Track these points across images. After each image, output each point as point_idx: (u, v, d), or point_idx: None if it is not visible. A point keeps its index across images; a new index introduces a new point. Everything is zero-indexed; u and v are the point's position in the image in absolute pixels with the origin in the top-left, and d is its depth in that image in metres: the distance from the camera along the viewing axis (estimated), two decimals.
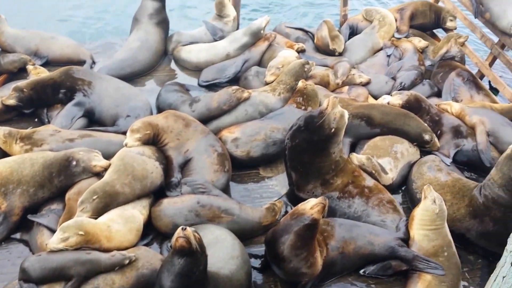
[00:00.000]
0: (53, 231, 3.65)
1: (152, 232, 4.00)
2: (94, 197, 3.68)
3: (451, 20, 6.95)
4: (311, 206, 3.40)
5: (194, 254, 2.90)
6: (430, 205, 3.63)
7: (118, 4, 10.16)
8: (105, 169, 4.01)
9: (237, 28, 6.87)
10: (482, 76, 6.51)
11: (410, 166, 4.67)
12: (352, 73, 5.89)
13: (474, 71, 6.45)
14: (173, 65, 6.50)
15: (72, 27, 9.24)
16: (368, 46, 6.65)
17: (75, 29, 9.14)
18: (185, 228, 2.86)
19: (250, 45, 6.34)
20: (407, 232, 3.81)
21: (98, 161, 4.01)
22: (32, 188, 3.92)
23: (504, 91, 5.99)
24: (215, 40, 6.54)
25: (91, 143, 4.37)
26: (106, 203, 3.73)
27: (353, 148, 4.89)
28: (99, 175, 4.03)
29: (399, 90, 5.56)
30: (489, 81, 6.56)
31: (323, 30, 6.53)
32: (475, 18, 6.54)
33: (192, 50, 6.40)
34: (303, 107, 5.08)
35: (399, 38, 6.67)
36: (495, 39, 6.35)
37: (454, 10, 7.05)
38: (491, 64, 6.43)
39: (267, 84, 5.63)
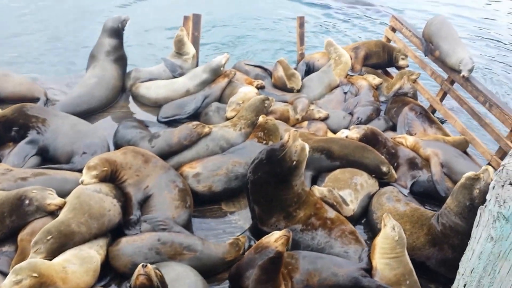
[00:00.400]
0: (5, 274, 3.42)
1: (110, 272, 3.81)
2: (49, 237, 3.49)
3: (402, 59, 7.37)
4: (275, 239, 3.39)
5: None
6: (390, 233, 3.69)
7: (73, 41, 10.09)
8: (60, 208, 3.83)
9: (197, 65, 6.93)
10: (434, 111, 6.79)
11: (370, 197, 4.75)
12: (311, 109, 6.04)
13: (426, 106, 6.74)
14: (131, 101, 6.43)
15: (26, 64, 9.04)
16: (325, 83, 6.85)
17: (29, 66, 8.95)
18: (146, 265, 2.76)
19: (210, 82, 6.40)
20: (369, 262, 3.83)
21: (53, 200, 3.83)
22: None
23: (455, 124, 6.25)
24: (174, 77, 6.55)
25: (45, 182, 4.19)
26: (61, 243, 3.54)
27: (314, 180, 4.93)
28: (53, 214, 3.84)
29: (356, 124, 5.72)
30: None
31: (279, 71, 6.69)
32: (425, 56, 6.91)
33: (151, 87, 6.38)
34: (264, 142, 5.11)
35: (353, 76, 6.93)
36: (445, 75, 6.67)
37: (405, 49, 7.45)
38: (442, 99, 6.72)
39: (227, 119, 5.66)
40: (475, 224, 2.84)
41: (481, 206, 2.78)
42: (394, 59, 7.40)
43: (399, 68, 7.44)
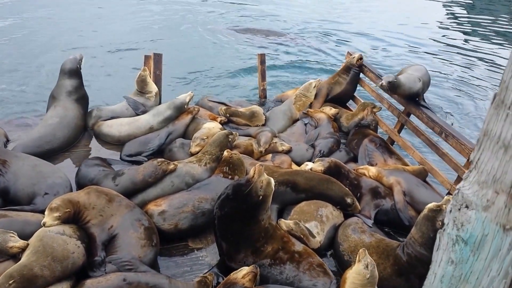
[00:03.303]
0: None
1: None
2: (11, 282, 3.35)
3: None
4: (242, 275, 3.41)
5: None
6: (362, 270, 3.68)
7: (32, 83, 9.96)
8: (23, 250, 3.70)
9: (160, 103, 6.97)
10: (392, 142, 7.04)
11: (335, 228, 4.81)
12: (274, 142, 6.15)
13: (385, 138, 6.98)
14: (93, 140, 6.37)
15: None
16: (287, 116, 7.04)
17: None
18: None
19: (174, 119, 6.43)
20: None
21: (15, 242, 3.70)
22: None
23: (414, 154, 6.47)
24: (137, 115, 6.55)
25: (6, 224, 4.05)
26: None
27: (280, 214, 4.97)
28: (15, 257, 3.71)
29: (319, 157, 5.85)
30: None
31: (240, 119, 6.78)
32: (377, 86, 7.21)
33: (114, 124, 6.35)
34: (230, 176, 5.15)
35: (310, 109, 7.16)
36: (401, 108, 6.94)
37: (362, 84, 7.77)
38: (399, 131, 6.98)
39: (192, 155, 5.67)
40: (435, 248, 2.92)
41: (440, 230, 2.87)
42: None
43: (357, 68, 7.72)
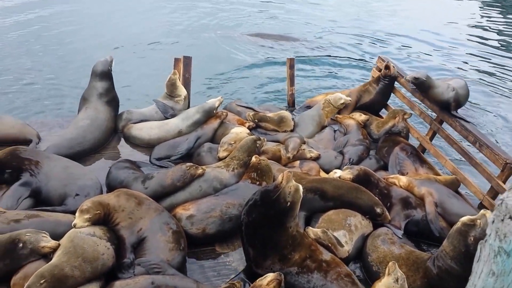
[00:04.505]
0: None
1: None
2: (42, 281, 3.42)
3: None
4: (267, 282, 3.40)
5: None
6: (392, 283, 3.60)
7: (64, 84, 10.19)
8: (54, 251, 3.78)
9: (188, 106, 7.02)
10: (424, 150, 6.88)
11: (364, 238, 4.73)
12: (302, 148, 6.09)
13: (416, 146, 6.82)
14: (123, 142, 6.45)
15: (18, 107, 9.09)
16: (316, 121, 6.97)
17: (21, 109, 9.00)
18: None
19: (202, 123, 6.47)
20: None
21: (47, 242, 3.78)
22: None
23: (446, 163, 6.31)
24: (166, 118, 6.61)
25: (39, 224, 4.14)
26: None
27: (308, 221, 4.92)
28: (47, 257, 3.79)
29: (348, 165, 5.77)
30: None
31: (268, 124, 6.76)
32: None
33: (144, 128, 6.42)
34: (257, 182, 5.13)
35: (339, 116, 7.06)
36: (434, 115, 6.79)
37: (393, 90, 7.62)
38: (431, 139, 6.82)
39: (220, 160, 5.68)
40: (475, 259, 2.82)
41: (481, 240, 2.78)
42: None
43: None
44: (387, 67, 7.37)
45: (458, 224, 3.99)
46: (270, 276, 3.43)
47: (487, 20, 18.34)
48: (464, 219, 3.97)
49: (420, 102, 7.09)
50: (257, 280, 3.49)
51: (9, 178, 4.85)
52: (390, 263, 3.70)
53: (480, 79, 12.50)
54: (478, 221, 3.86)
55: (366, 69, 12.30)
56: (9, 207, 4.57)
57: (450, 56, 14.12)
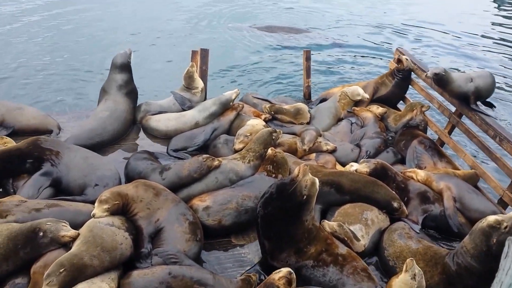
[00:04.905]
0: None
1: None
2: (61, 270, 3.48)
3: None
4: (278, 277, 3.43)
5: None
6: (409, 280, 3.57)
7: (84, 76, 10.31)
8: (74, 240, 3.85)
9: (205, 98, 7.05)
10: (442, 144, 6.79)
11: (381, 232, 4.71)
12: (318, 141, 6.07)
13: (435, 139, 6.74)
14: (141, 134, 6.52)
15: (39, 98, 9.23)
16: (332, 113, 6.94)
17: (42, 100, 9.14)
18: None
19: (219, 115, 6.49)
20: None
21: (67, 231, 3.85)
22: None
23: (465, 157, 6.22)
24: (183, 110, 6.66)
25: (59, 213, 4.22)
26: (73, 276, 3.53)
27: (323, 215, 4.92)
28: (66, 246, 3.86)
29: (365, 158, 5.73)
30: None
31: (285, 116, 6.74)
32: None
33: (161, 119, 6.48)
34: (273, 175, 5.14)
35: (357, 108, 6.99)
36: (453, 108, 6.69)
37: (411, 82, 7.52)
38: (450, 132, 6.73)
39: (236, 151, 5.71)
40: (503, 255, 2.79)
41: (510, 237, 2.74)
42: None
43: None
44: (399, 61, 7.29)
45: (483, 224, 3.88)
46: (282, 272, 3.48)
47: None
48: (491, 219, 3.83)
49: (439, 95, 6.98)
50: (273, 273, 3.53)
51: (31, 168, 4.94)
52: (408, 259, 3.66)
53: (503, 70, 12.23)
54: (505, 223, 3.74)
55: (383, 60, 12.14)
56: (30, 196, 4.66)
57: (473, 46, 13.82)
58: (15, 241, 3.79)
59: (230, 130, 6.39)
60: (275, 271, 3.58)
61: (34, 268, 3.75)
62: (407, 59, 7.27)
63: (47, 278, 3.46)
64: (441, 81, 6.14)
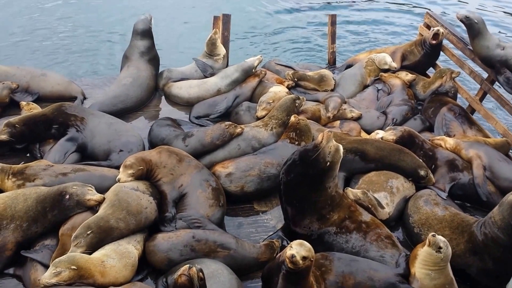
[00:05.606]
0: (46, 266, 3.56)
1: (147, 267, 3.88)
2: (89, 232, 3.59)
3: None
4: (289, 254, 3.19)
5: None
6: (434, 253, 3.47)
7: (108, 42, 10.29)
8: (99, 203, 3.93)
9: (227, 65, 6.96)
10: (473, 111, 6.58)
11: (406, 200, 4.65)
12: (343, 108, 5.96)
13: (465, 106, 6.53)
14: (163, 101, 6.53)
15: (63, 63, 9.28)
16: (358, 81, 6.77)
17: (66, 65, 9.19)
18: (191, 267, 2.80)
19: (241, 82, 6.42)
20: (407, 268, 3.69)
21: (92, 195, 3.94)
22: (26, 223, 3.83)
23: (497, 125, 6.04)
24: (205, 77, 6.60)
25: (85, 178, 4.32)
26: (100, 238, 3.64)
27: (347, 182, 4.87)
28: (93, 209, 3.95)
29: (391, 125, 5.60)
30: None
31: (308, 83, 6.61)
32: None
33: (183, 86, 6.45)
34: (296, 142, 5.09)
35: (385, 74, 6.76)
36: (485, 74, 6.45)
37: (442, 47, 7.22)
38: (481, 99, 6.51)
39: (258, 119, 5.66)
40: None
41: None
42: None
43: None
44: (435, 36, 6.73)
45: None
46: (295, 245, 3.22)
47: None
48: None
49: (471, 61, 6.70)
50: (287, 248, 3.26)
51: (56, 133, 5.02)
52: (429, 235, 3.51)
53: None
54: None
55: (411, 25, 11.67)
56: (57, 161, 4.75)
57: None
58: (43, 203, 3.89)
59: (253, 97, 6.32)
60: (289, 246, 3.28)
61: (62, 230, 3.87)
62: (443, 33, 6.80)
63: (75, 239, 3.57)
64: (471, 28, 5.82)
